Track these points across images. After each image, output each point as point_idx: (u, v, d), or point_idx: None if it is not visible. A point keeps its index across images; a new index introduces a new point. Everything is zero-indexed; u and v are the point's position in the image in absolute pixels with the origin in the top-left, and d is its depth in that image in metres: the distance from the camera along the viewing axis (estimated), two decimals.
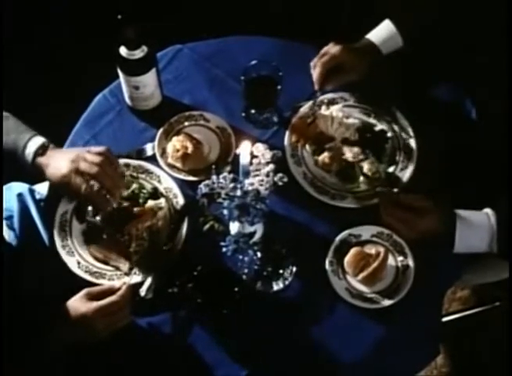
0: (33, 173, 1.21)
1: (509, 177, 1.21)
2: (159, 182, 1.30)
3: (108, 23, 1.20)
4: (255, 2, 2.13)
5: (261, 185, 1.09)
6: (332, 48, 1.35)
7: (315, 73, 1.36)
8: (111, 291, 1.12)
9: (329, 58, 1.35)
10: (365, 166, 1.30)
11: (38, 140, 1.21)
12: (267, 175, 1.09)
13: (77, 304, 1.10)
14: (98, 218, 1.24)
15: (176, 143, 1.32)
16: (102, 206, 1.20)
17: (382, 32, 1.37)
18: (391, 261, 1.23)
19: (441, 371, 1.88)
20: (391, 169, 1.33)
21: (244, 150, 1.06)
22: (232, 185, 1.08)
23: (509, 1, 1.25)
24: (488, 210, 1.20)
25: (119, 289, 1.12)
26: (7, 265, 1.12)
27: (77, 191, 1.17)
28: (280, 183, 1.10)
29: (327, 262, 1.23)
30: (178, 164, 1.32)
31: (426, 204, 1.21)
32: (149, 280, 1.17)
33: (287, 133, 1.36)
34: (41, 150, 1.20)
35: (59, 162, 1.18)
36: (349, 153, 1.31)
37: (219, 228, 1.23)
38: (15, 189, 1.33)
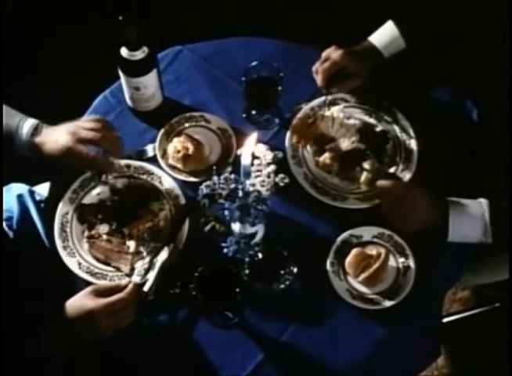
0: (30, 154, 1.21)
1: (509, 177, 1.21)
2: (160, 183, 1.30)
3: (109, 24, 1.20)
4: (256, 3, 2.13)
5: (262, 186, 1.08)
6: (333, 53, 1.35)
7: (318, 79, 1.37)
8: (118, 289, 1.12)
9: (331, 64, 1.35)
10: (366, 166, 1.30)
11: (30, 121, 1.22)
12: (268, 176, 1.09)
13: (84, 301, 1.09)
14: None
15: (177, 144, 1.32)
16: (107, 169, 1.25)
17: (384, 35, 1.37)
18: (391, 262, 1.23)
19: (442, 372, 1.88)
20: (392, 170, 1.33)
21: (245, 151, 1.06)
22: (233, 186, 1.08)
23: (509, 1, 1.25)
24: (482, 199, 1.20)
25: (126, 287, 1.13)
26: (7, 266, 1.12)
27: (81, 158, 1.19)
28: (281, 184, 1.10)
29: (328, 263, 1.23)
30: (179, 165, 1.32)
31: (417, 191, 1.21)
32: (150, 281, 1.17)
33: (288, 134, 1.36)
34: (35, 130, 1.21)
35: (57, 136, 1.20)
36: (347, 143, 1.30)
37: (220, 229, 1.23)
38: (15, 190, 1.33)
